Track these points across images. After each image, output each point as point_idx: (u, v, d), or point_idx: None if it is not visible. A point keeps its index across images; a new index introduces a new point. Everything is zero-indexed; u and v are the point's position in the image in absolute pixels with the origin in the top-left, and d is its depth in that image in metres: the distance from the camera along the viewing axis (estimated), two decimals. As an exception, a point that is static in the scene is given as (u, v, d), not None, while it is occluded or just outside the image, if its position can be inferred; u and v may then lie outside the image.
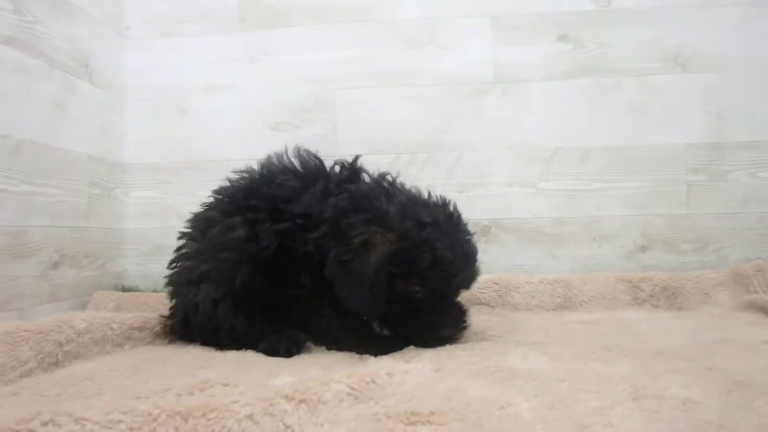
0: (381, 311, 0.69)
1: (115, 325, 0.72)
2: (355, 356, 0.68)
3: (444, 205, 0.76)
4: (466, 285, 0.75)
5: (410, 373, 0.50)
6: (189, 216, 0.95)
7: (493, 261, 1.20)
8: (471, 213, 1.18)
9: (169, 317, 0.82)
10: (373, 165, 1.22)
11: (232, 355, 0.68)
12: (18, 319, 0.90)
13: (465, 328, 0.73)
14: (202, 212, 0.83)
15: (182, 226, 1.00)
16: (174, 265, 0.82)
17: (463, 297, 0.99)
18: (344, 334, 0.72)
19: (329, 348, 0.73)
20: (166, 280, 0.84)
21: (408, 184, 0.81)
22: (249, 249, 0.74)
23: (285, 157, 0.80)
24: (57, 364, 0.61)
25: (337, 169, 0.80)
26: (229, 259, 0.74)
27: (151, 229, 1.29)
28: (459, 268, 0.70)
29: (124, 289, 1.21)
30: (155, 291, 1.19)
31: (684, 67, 1.18)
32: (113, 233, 1.23)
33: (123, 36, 1.27)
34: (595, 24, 1.20)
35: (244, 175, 0.82)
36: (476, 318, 0.93)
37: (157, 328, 0.82)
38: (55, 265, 1.01)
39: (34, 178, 0.95)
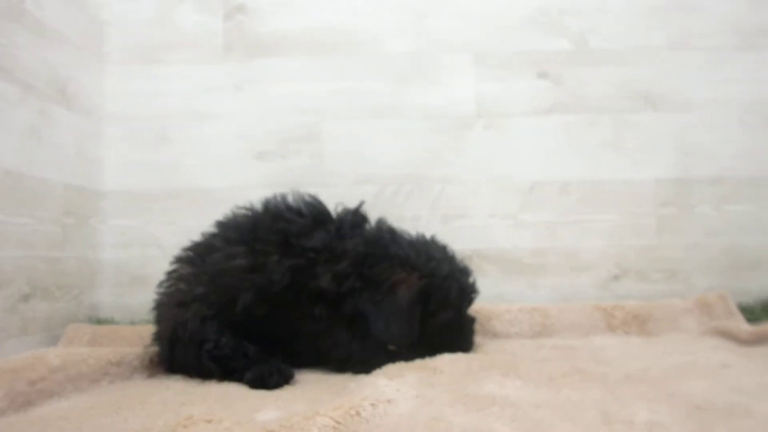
0: (414, 339, 0.77)
1: (91, 361, 0.71)
2: (338, 385, 0.68)
3: (436, 242, 0.88)
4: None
5: (393, 402, 0.51)
6: (171, 245, 0.95)
7: (475, 291, 1.21)
8: (455, 243, 1.21)
9: (153, 342, 0.83)
10: (359, 196, 1.26)
11: (215, 390, 0.67)
12: (-14, 354, 0.87)
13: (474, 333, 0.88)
14: (202, 240, 0.85)
15: (162, 255, 0.99)
16: (164, 287, 0.84)
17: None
18: (369, 355, 0.78)
19: (356, 372, 0.77)
20: (154, 303, 0.85)
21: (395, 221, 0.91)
22: (253, 279, 0.77)
23: (289, 198, 0.87)
24: (30, 403, 0.59)
25: (340, 209, 0.88)
26: (229, 285, 0.77)
27: (129, 259, 1.27)
28: (472, 294, 0.85)
29: (100, 322, 1.18)
30: (132, 323, 1.16)
31: (654, 106, 1.24)
32: (88, 263, 1.20)
33: (103, 61, 1.26)
34: (573, 63, 1.26)
35: (247, 210, 0.86)
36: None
37: (136, 362, 0.80)
38: (26, 298, 0.98)
39: (7, 207, 0.93)
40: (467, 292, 0.84)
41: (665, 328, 1.01)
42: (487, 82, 1.26)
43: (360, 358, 0.78)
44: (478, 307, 1.07)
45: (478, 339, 0.95)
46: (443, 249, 0.86)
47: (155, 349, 0.83)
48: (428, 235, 0.89)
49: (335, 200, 1.22)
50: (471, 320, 0.89)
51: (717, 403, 0.52)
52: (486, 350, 0.85)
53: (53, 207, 1.07)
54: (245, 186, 1.26)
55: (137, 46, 1.29)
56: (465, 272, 0.85)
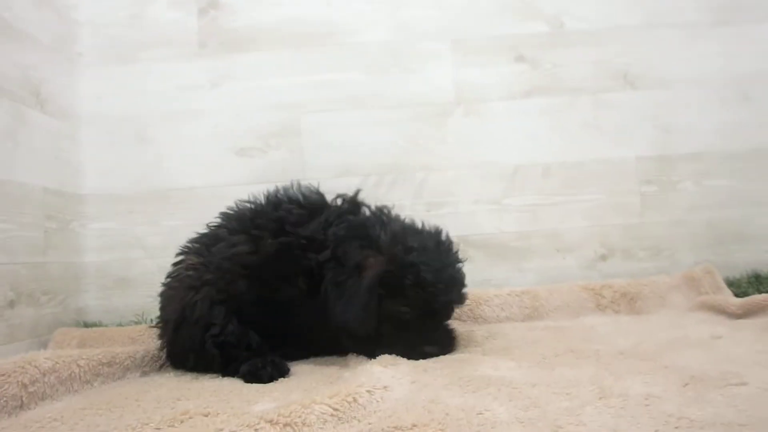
0: (372, 328, 0.75)
1: (82, 362, 0.71)
2: (333, 375, 0.69)
3: (436, 233, 0.85)
4: (451, 308, 0.82)
5: (389, 388, 0.52)
6: (154, 246, 0.97)
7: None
8: None
9: (158, 324, 0.85)
10: (341, 188, 1.26)
11: (209, 386, 0.68)
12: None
13: (450, 350, 0.77)
14: (208, 231, 0.88)
15: (146, 256, 0.99)
16: (172, 276, 0.86)
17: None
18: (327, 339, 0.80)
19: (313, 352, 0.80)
20: (160, 291, 0.87)
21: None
22: (250, 262, 0.80)
23: (291, 190, 0.89)
24: (22, 406, 0.59)
25: (339, 201, 0.89)
26: (232, 272, 0.80)
27: (113, 261, 1.26)
28: (441, 291, 0.76)
29: (87, 325, 1.18)
30: (120, 325, 1.16)
31: (633, 85, 1.27)
32: (72, 267, 1.19)
33: (75, 62, 1.25)
34: (550, 45, 1.27)
35: (251, 202, 0.89)
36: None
37: (127, 362, 0.80)
38: (11, 304, 0.98)
39: (-13, 213, 0.92)
40: (423, 286, 0.74)
41: (654, 305, 1.03)
42: (464, 68, 1.27)
43: (321, 339, 0.80)
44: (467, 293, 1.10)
45: (468, 325, 0.97)
46: (437, 241, 0.82)
47: (150, 346, 0.85)
48: (439, 229, 0.86)
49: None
50: (444, 327, 0.81)
51: (711, 373, 0.53)
52: (477, 336, 0.86)
53: (34, 211, 1.06)
54: (227, 183, 1.26)
55: (111, 45, 1.28)
56: (443, 269, 0.78)
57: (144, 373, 0.81)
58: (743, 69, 1.25)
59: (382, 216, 0.86)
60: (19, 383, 0.60)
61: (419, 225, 0.86)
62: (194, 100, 1.28)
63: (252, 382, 0.71)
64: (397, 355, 0.72)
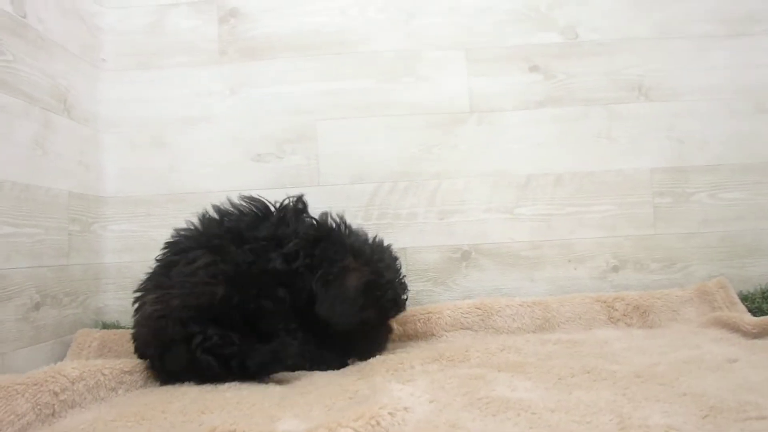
0: (356, 323, 0.85)
1: (106, 371, 0.73)
2: (349, 388, 0.70)
3: (388, 247, 0.97)
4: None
5: (410, 410, 0.53)
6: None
7: (473, 285, 1.25)
8: (452, 239, 1.26)
9: (143, 363, 0.85)
10: (355, 195, 1.28)
11: (231, 396, 0.69)
12: (1, 365, 0.89)
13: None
14: (157, 266, 0.92)
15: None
16: (137, 317, 0.88)
17: (448, 323, 1.04)
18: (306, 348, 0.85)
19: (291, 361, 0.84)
20: (131, 332, 0.89)
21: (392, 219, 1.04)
22: (221, 271, 0.83)
23: (225, 205, 0.95)
24: (54, 415, 0.61)
25: (286, 201, 0.97)
26: (200, 284, 0.82)
27: (131, 262, 1.28)
28: (402, 306, 0.93)
29: (106, 326, 1.20)
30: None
31: (647, 96, 1.27)
32: (93, 268, 1.22)
33: (100, 69, 1.27)
34: (563, 56, 1.27)
35: (189, 223, 0.94)
36: (461, 342, 0.98)
37: (147, 370, 0.82)
38: (37, 306, 1.00)
39: (16, 218, 0.95)
40: (398, 304, 0.92)
41: (666, 318, 1.03)
42: (478, 77, 1.28)
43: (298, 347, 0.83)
44: (478, 303, 1.11)
45: (480, 336, 0.99)
46: (392, 255, 0.96)
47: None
48: (378, 238, 0.98)
49: (332, 200, 1.26)
50: (388, 330, 0.96)
51: (730, 403, 0.53)
52: (491, 348, 0.87)
53: (59, 215, 1.09)
54: (243, 188, 1.26)
55: (132, 52, 1.30)
56: (402, 286, 0.94)
57: (164, 382, 0.83)
58: (757, 80, 1.25)
59: (340, 223, 0.95)
60: (51, 392, 0.62)
61: (370, 236, 0.97)
62: (212, 107, 1.30)
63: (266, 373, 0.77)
64: (364, 349, 0.88)
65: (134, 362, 0.80)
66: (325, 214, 0.97)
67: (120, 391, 0.74)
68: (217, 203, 0.97)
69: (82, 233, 1.18)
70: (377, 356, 0.89)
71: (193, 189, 1.29)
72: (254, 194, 1.19)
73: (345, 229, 0.94)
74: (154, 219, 1.30)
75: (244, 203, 0.94)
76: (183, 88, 1.30)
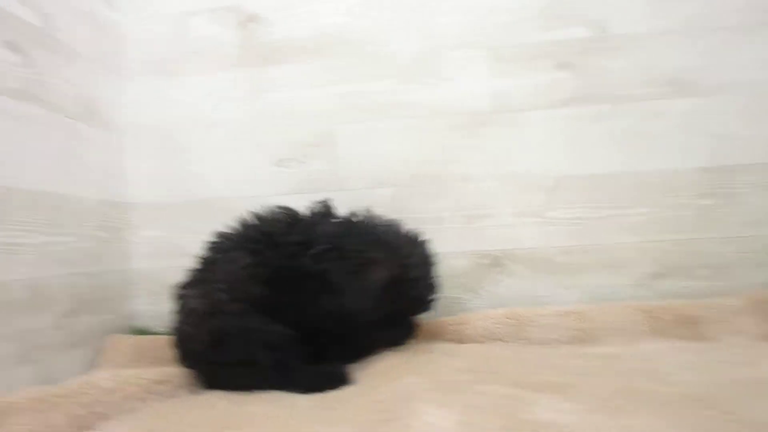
0: (376, 317, 0.87)
1: (138, 381, 0.74)
2: (377, 403, 0.69)
3: (422, 241, 0.97)
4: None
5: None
6: (196, 254, 1.01)
7: (505, 292, 1.22)
8: (481, 244, 1.23)
9: (184, 364, 0.88)
10: (376, 198, 1.27)
11: (259, 411, 0.69)
12: (36, 372, 0.91)
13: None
14: (196, 267, 0.95)
15: (190, 264, 1.04)
16: (178, 315, 0.90)
17: (480, 334, 1.02)
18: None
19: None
20: (172, 334, 0.91)
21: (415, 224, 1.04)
22: (259, 271, 0.87)
23: (262, 212, 0.99)
24: (88, 427, 0.62)
25: (315, 207, 1.00)
26: (242, 278, 0.86)
27: (160, 268, 1.30)
28: (430, 302, 0.94)
29: (137, 331, 1.22)
30: (167, 331, 1.20)
31: (683, 92, 1.21)
32: (123, 274, 1.24)
33: (122, 77, 1.29)
34: (592, 52, 1.23)
35: (230, 229, 0.98)
36: (493, 354, 0.96)
37: (178, 380, 0.83)
38: (72, 313, 1.02)
39: (49, 228, 0.97)
40: (424, 303, 0.93)
41: (718, 330, 0.96)
42: (501, 76, 1.25)
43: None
44: (510, 313, 1.08)
45: (514, 348, 0.96)
46: (424, 251, 0.96)
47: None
48: (416, 233, 0.99)
49: (354, 204, 1.24)
50: (413, 325, 0.97)
51: None
52: (528, 363, 0.84)
53: (90, 223, 1.11)
54: (266, 193, 1.28)
55: (155, 60, 1.31)
56: (431, 284, 0.95)
57: (193, 391, 0.84)
58: (800, 72, 1.18)
59: (368, 216, 0.97)
60: (84, 404, 0.63)
61: (402, 227, 0.98)
62: (234, 112, 1.30)
63: (312, 392, 0.77)
64: (387, 339, 0.92)
65: (164, 372, 0.80)
66: (352, 213, 0.99)
67: (150, 402, 0.75)
68: (255, 209, 1.00)
69: (113, 240, 1.20)
70: (406, 364, 0.87)
71: (218, 195, 1.30)
72: (277, 199, 1.20)
73: (372, 222, 0.95)
74: (180, 225, 1.31)
75: (277, 210, 0.98)
76: (204, 95, 1.31)
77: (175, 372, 0.83)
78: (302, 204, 1.06)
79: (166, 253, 1.30)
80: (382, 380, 0.82)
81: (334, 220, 0.95)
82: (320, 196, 1.25)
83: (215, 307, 0.84)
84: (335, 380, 0.81)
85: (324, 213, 0.99)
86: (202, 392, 0.84)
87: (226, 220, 1.29)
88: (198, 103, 1.31)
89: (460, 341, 1.03)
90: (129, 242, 1.28)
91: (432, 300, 0.95)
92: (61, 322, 0.99)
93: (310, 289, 0.86)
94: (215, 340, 0.82)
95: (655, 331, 0.98)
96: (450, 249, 1.24)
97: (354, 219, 0.98)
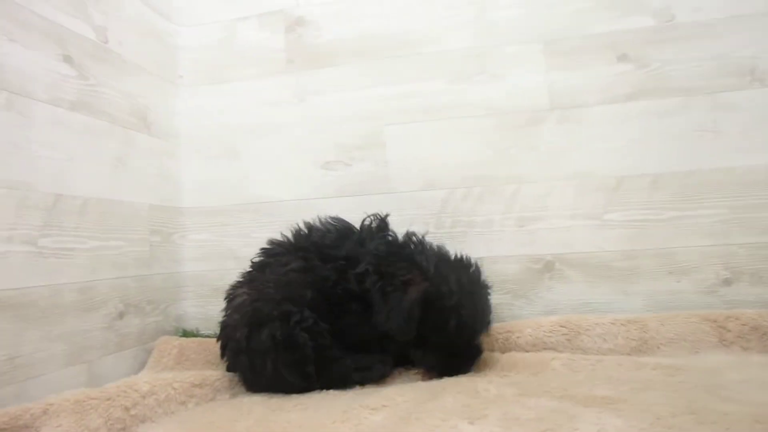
0: (411, 336, 0.86)
1: (176, 385, 0.75)
2: (419, 414, 0.67)
3: (468, 264, 0.95)
4: (477, 336, 0.94)
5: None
6: (245, 257, 1.04)
7: (558, 299, 1.16)
8: (533, 248, 1.18)
9: (225, 354, 0.93)
10: (426, 201, 1.24)
11: (295, 417, 0.68)
12: (88, 371, 0.95)
13: (477, 361, 0.93)
14: (250, 269, 0.99)
15: (238, 267, 1.07)
16: (228, 309, 0.95)
17: (529, 342, 0.97)
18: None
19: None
20: (219, 324, 0.96)
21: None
22: (309, 279, 0.90)
23: (317, 221, 1.02)
24: (125, 429, 0.64)
25: (368, 221, 1.00)
26: (292, 284, 0.89)
27: (209, 271, 1.34)
28: (477, 329, 0.91)
29: (185, 332, 1.26)
30: (215, 333, 1.23)
31: (762, 81, 1.11)
32: (173, 277, 1.28)
33: (176, 85, 1.34)
34: (658, 41, 1.15)
35: (283, 236, 1.02)
36: (542, 364, 0.91)
37: (217, 383, 0.85)
38: (121, 315, 1.07)
39: (101, 233, 1.01)
40: (463, 328, 0.88)
41: None
42: (559, 71, 1.19)
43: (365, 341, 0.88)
44: (564, 321, 1.03)
45: (565, 358, 0.91)
46: (470, 275, 0.93)
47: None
48: (469, 258, 0.97)
49: (402, 207, 1.23)
50: (476, 350, 0.93)
51: None
52: (579, 375, 0.79)
53: (141, 227, 1.15)
54: (313, 196, 1.29)
55: (206, 68, 1.35)
56: (478, 307, 0.91)
57: (233, 395, 0.85)
58: None
59: (417, 241, 0.97)
60: (123, 406, 0.65)
61: (451, 253, 0.98)
62: (281, 116, 1.32)
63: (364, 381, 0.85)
64: (430, 362, 0.89)
65: (204, 375, 0.82)
66: (405, 234, 1.00)
67: (190, 405, 0.76)
68: (308, 219, 1.04)
69: (163, 244, 1.25)
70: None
71: (265, 198, 1.32)
72: (323, 202, 1.25)
73: (417, 246, 0.95)
74: (229, 228, 1.34)
75: (330, 221, 1.01)
76: (253, 99, 1.33)
77: (215, 375, 0.84)
78: (349, 207, 1.07)
79: (216, 256, 1.34)
80: (423, 387, 0.79)
81: (381, 240, 0.96)
82: (368, 200, 1.28)
83: (261, 295, 0.90)
84: (379, 367, 0.87)
85: (376, 229, 1.00)
86: (241, 395, 0.85)
87: (273, 223, 1.33)
88: (247, 109, 1.33)
89: (508, 350, 0.98)
90: (180, 245, 1.32)
91: (476, 328, 0.92)
92: (111, 323, 1.03)
93: (351, 305, 0.89)
94: (255, 323, 0.85)
95: (722, 342, 0.91)
96: (500, 253, 1.20)
97: (404, 240, 0.98)
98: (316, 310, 0.87)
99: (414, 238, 0.97)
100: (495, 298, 1.18)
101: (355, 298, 0.88)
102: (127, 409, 0.64)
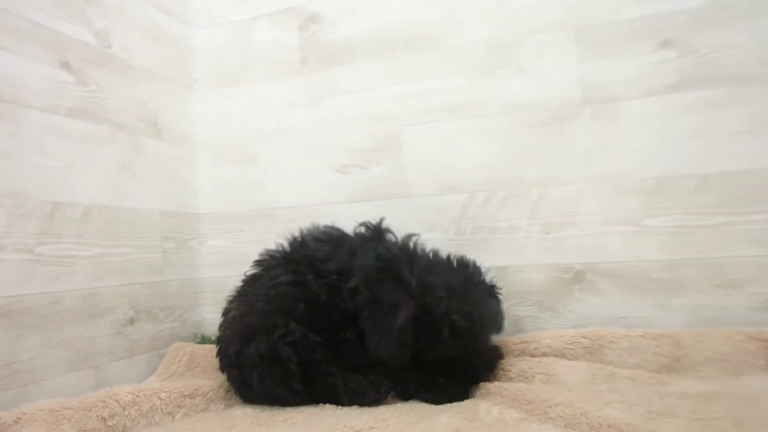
0: (405, 363, 0.83)
1: (163, 395, 0.77)
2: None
3: (463, 267, 0.91)
4: (488, 340, 0.91)
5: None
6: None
7: (589, 312, 1.10)
8: (561, 257, 1.12)
9: (222, 366, 0.94)
10: (445, 206, 1.21)
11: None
12: (95, 377, 1.00)
13: (496, 367, 0.92)
14: (243, 283, 1.01)
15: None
16: (224, 326, 0.96)
17: (547, 354, 0.93)
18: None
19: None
20: (216, 340, 0.98)
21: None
22: (300, 293, 0.90)
23: (314, 230, 1.01)
24: (101, 441, 0.65)
25: (362, 229, 0.98)
26: (281, 296, 0.90)
27: (226, 277, 1.35)
28: (477, 332, 0.85)
29: (204, 338, 1.29)
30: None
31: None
32: (191, 283, 1.32)
33: (191, 89, 1.38)
34: (706, 24, 1.06)
35: (279, 246, 1.02)
36: (556, 382, 0.86)
37: (211, 393, 0.86)
38: (131, 321, 1.11)
39: (105, 240, 1.06)
40: (460, 334, 0.83)
41: None
42: (592, 61, 1.12)
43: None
44: (587, 332, 0.97)
45: (582, 370, 0.86)
46: (464, 278, 0.89)
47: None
48: (465, 259, 0.93)
49: (420, 212, 1.21)
50: (490, 354, 0.91)
51: None
52: (590, 390, 0.74)
53: (151, 234, 1.19)
54: (329, 201, 1.29)
55: (220, 70, 1.39)
56: (475, 310, 0.85)
57: (228, 406, 0.86)
58: None
59: (408, 250, 0.93)
60: (99, 417, 0.66)
61: (444, 257, 0.93)
62: (295, 118, 1.33)
63: (353, 404, 0.81)
64: (443, 383, 0.84)
65: (195, 385, 0.83)
66: (402, 240, 0.97)
67: (177, 416, 0.77)
68: (307, 226, 1.04)
69: (179, 250, 1.29)
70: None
71: (281, 204, 1.34)
72: (339, 207, 1.25)
73: (405, 257, 0.92)
74: (245, 234, 1.37)
75: (326, 230, 1.01)
76: (268, 102, 1.35)
77: (210, 385, 0.85)
78: (365, 212, 1.05)
79: (233, 261, 1.36)
80: (416, 413, 0.77)
81: (377, 250, 0.93)
82: (384, 204, 1.26)
83: (251, 309, 0.91)
84: (372, 394, 0.83)
85: (371, 237, 0.98)
86: (236, 406, 0.86)
87: (288, 229, 1.34)
88: (261, 111, 1.36)
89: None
90: (198, 251, 1.36)
91: (476, 332, 0.86)
92: (120, 329, 1.07)
93: (346, 329, 0.88)
94: (245, 337, 0.86)
95: (769, 365, 0.82)
96: (525, 262, 1.15)
97: (402, 247, 0.95)
98: (308, 323, 0.87)
99: (409, 245, 0.95)
100: (519, 311, 1.15)
101: (349, 318, 0.87)
102: (104, 419, 0.66)
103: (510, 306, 1.13)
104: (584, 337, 0.95)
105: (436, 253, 0.95)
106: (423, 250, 0.95)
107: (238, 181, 1.37)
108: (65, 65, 0.99)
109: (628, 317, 1.07)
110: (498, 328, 0.91)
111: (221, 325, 0.98)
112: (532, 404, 0.75)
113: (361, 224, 1.00)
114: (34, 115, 0.92)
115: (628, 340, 0.92)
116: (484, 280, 0.92)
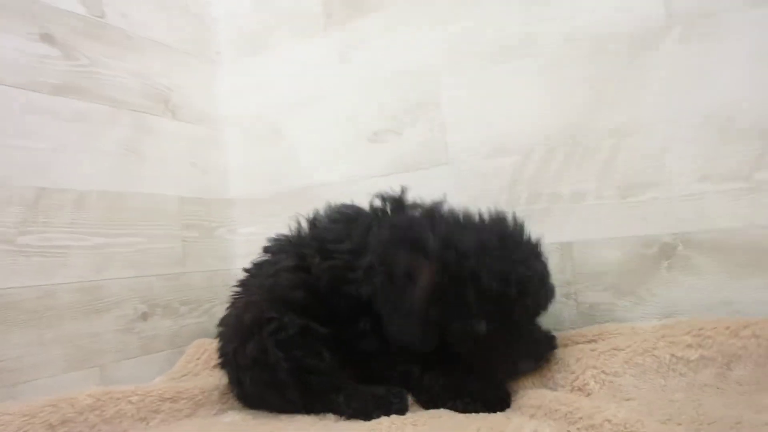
0: (431, 348, 0.73)
1: (135, 398, 0.72)
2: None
3: (499, 222, 0.78)
4: (536, 312, 0.76)
5: None
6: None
7: (682, 297, 0.91)
8: (643, 226, 0.94)
9: (221, 358, 0.88)
10: (493, 171, 1.06)
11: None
12: (99, 376, 0.99)
13: (544, 359, 0.77)
14: (253, 264, 0.96)
15: None
16: (228, 315, 0.92)
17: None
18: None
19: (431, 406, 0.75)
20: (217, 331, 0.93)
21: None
22: (301, 277, 0.83)
23: (328, 209, 0.94)
24: (43, 450, 0.61)
25: (378, 202, 0.88)
26: (281, 285, 0.83)
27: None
28: (516, 297, 0.70)
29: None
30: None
31: None
32: (218, 275, 1.29)
33: (214, 63, 1.35)
34: None
35: (290, 230, 0.95)
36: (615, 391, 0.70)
37: (200, 397, 0.80)
38: (144, 317, 1.09)
39: (107, 229, 1.04)
40: (490, 298, 0.69)
41: None
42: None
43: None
44: (675, 323, 0.79)
45: (652, 374, 0.69)
46: (501, 235, 0.75)
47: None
48: (503, 216, 0.80)
49: (464, 180, 1.07)
50: (537, 337, 0.76)
51: None
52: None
53: (166, 222, 1.17)
54: (361, 175, 1.20)
55: (242, 37, 1.35)
56: (512, 270, 0.70)
57: (221, 411, 0.80)
58: None
59: (432, 214, 0.81)
60: (46, 424, 0.62)
61: (477, 216, 0.80)
62: (323, 82, 1.25)
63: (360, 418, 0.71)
64: (482, 377, 0.74)
65: (179, 387, 0.78)
66: (431, 204, 0.85)
67: (152, 423, 0.72)
68: (324, 207, 0.96)
69: (203, 239, 1.26)
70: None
71: (311, 182, 1.27)
72: (373, 182, 1.15)
73: (425, 221, 0.79)
74: (276, 219, 1.28)
75: (340, 208, 0.93)
76: (294, 66, 1.29)
77: (199, 387, 0.80)
78: (402, 185, 0.95)
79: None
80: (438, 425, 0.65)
81: (386, 224, 0.82)
82: (423, 174, 1.15)
83: (248, 301, 0.87)
84: (377, 414, 0.72)
85: (392, 210, 0.87)
86: (230, 411, 0.80)
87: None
88: (287, 77, 1.29)
89: (575, 371, 0.77)
90: (227, 240, 1.33)
91: (524, 332, 0.74)
92: (129, 326, 1.05)
93: (351, 312, 0.79)
94: (239, 335, 0.81)
95: None
96: (596, 235, 0.97)
97: (426, 213, 0.83)
98: (310, 313, 0.79)
99: (434, 210, 0.82)
100: (589, 296, 0.98)
101: (362, 307, 0.76)
102: (51, 426, 0.62)
103: (579, 292, 0.98)
104: (671, 328, 0.77)
105: (467, 213, 0.82)
106: (452, 211, 0.82)
107: (267, 159, 1.32)
108: (47, 38, 0.97)
109: (736, 302, 0.86)
110: (545, 298, 0.76)
111: (223, 319, 0.93)
112: (576, 421, 0.60)
113: (378, 195, 0.90)
114: (9, 92, 0.90)
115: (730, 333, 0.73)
116: (529, 239, 0.78)
